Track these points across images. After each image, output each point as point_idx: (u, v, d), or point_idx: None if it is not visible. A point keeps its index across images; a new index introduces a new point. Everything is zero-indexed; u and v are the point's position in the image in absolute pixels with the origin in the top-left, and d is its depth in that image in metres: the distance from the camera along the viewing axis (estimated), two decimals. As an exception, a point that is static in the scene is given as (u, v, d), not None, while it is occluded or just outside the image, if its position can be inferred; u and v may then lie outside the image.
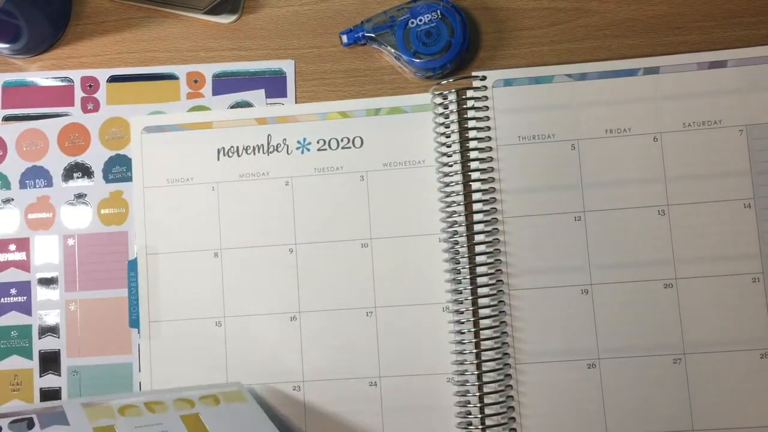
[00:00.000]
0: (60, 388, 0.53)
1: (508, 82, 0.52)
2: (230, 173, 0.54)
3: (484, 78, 0.52)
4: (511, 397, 0.50)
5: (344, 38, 0.54)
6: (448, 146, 0.52)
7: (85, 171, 0.55)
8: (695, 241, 0.50)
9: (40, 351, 0.54)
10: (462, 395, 0.50)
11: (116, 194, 0.55)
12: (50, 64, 0.56)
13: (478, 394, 0.50)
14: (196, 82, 0.55)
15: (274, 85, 0.55)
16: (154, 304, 0.53)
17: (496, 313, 0.50)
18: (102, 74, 0.56)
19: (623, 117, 0.52)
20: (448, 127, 0.52)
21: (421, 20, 0.52)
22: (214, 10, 0.55)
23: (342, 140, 0.54)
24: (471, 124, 0.52)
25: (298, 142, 0.54)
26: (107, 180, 0.55)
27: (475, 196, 0.51)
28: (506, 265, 0.51)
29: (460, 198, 0.51)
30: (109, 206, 0.55)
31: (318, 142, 0.54)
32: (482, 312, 0.50)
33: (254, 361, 0.52)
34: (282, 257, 0.53)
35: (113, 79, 0.56)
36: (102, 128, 0.55)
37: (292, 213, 0.53)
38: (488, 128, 0.52)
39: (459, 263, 0.51)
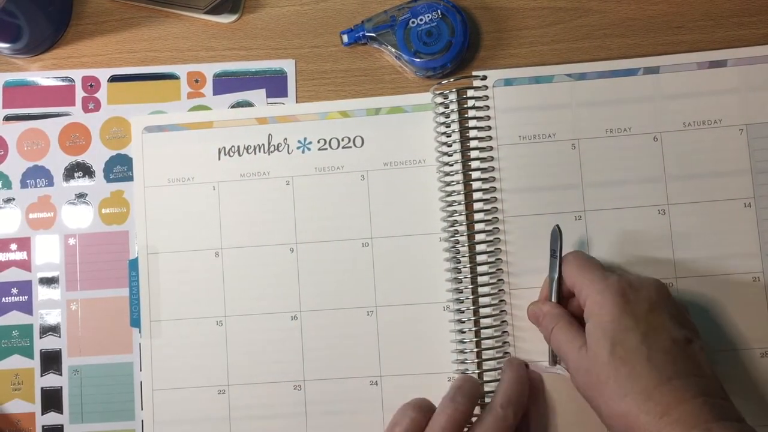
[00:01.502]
0: (61, 387, 0.53)
1: (508, 82, 0.52)
2: (231, 173, 0.54)
3: (484, 78, 0.52)
4: (512, 396, 0.50)
5: (345, 38, 0.54)
6: (449, 146, 0.52)
7: (86, 170, 0.55)
8: (695, 241, 0.50)
9: (41, 350, 0.54)
10: (462, 394, 0.50)
11: (117, 194, 0.55)
12: (51, 64, 0.56)
13: (478, 393, 0.50)
14: (196, 81, 0.55)
15: (274, 84, 0.55)
16: (154, 303, 0.53)
17: (497, 312, 0.50)
18: (103, 74, 0.56)
19: (623, 117, 0.52)
20: (448, 126, 0.52)
21: (421, 20, 0.52)
22: (214, 10, 0.55)
23: (342, 140, 0.54)
24: (471, 123, 0.52)
25: (299, 141, 0.54)
26: (108, 179, 0.55)
27: (476, 195, 0.51)
28: (507, 264, 0.51)
29: (461, 197, 0.51)
30: (110, 206, 0.55)
31: (318, 142, 0.54)
32: (483, 311, 0.50)
33: (254, 360, 0.52)
34: (282, 257, 0.53)
35: (114, 78, 0.56)
36: (103, 128, 0.55)
37: (292, 212, 0.53)
38: (489, 128, 0.52)
39: (459, 262, 0.51)
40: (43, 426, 0.53)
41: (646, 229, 0.51)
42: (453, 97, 0.52)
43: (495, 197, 0.51)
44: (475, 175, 0.51)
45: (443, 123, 0.52)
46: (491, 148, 0.52)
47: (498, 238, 0.51)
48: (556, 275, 0.47)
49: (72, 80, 0.56)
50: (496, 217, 0.51)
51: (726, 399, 0.41)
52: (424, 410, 0.44)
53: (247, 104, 0.55)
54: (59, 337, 0.54)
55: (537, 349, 0.50)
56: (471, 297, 0.50)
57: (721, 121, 0.51)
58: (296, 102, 0.55)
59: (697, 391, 0.40)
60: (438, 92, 0.53)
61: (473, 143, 0.52)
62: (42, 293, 0.54)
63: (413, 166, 0.53)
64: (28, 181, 0.55)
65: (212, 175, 0.54)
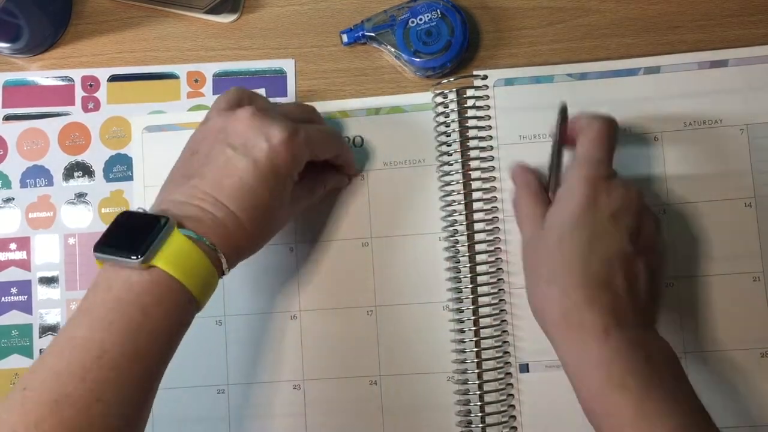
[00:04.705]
0: (60, 387, 0.53)
1: (508, 82, 0.52)
2: (231, 172, 0.54)
3: (485, 77, 0.52)
4: (512, 395, 0.50)
5: (344, 37, 0.54)
6: (449, 145, 0.52)
7: (86, 170, 0.55)
8: (694, 241, 0.50)
9: (40, 350, 0.54)
10: (462, 394, 0.50)
11: (117, 193, 0.55)
12: (51, 64, 0.56)
13: (478, 392, 0.50)
14: (196, 81, 0.55)
15: (274, 84, 0.55)
16: (154, 303, 0.53)
17: (497, 311, 0.50)
18: (102, 73, 0.56)
19: (623, 116, 0.52)
20: (448, 126, 0.52)
21: (421, 19, 0.52)
22: (214, 10, 0.55)
23: (342, 139, 0.53)
24: (471, 123, 0.52)
25: (299, 141, 0.54)
26: (108, 179, 0.55)
27: (476, 195, 0.51)
28: (506, 263, 0.51)
29: (461, 197, 0.51)
30: (110, 205, 0.55)
31: (318, 142, 0.54)
32: (482, 311, 0.50)
33: (254, 360, 0.52)
34: (282, 256, 0.53)
35: (114, 78, 0.56)
36: (102, 127, 0.55)
37: (292, 212, 0.53)
38: (489, 127, 0.52)
39: (459, 262, 0.51)
40: (42, 426, 0.53)
41: (646, 229, 0.51)
42: (453, 96, 0.52)
43: (495, 197, 0.51)
44: (474, 175, 0.51)
45: (443, 123, 0.52)
46: (491, 148, 0.52)
47: (498, 237, 0.51)
48: (558, 138, 0.48)
49: (72, 80, 0.56)
50: (496, 217, 0.51)
51: (644, 325, 0.42)
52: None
53: (246, 104, 0.55)
54: (59, 336, 0.53)
55: (537, 349, 0.50)
56: (470, 297, 0.50)
57: (722, 121, 0.51)
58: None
59: (606, 303, 0.41)
60: (438, 92, 0.53)
61: (473, 143, 0.52)
62: (41, 293, 0.54)
63: (413, 166, 0.53)
64: (27, 180, 0.55)
65: (212, 174, 0.54)
